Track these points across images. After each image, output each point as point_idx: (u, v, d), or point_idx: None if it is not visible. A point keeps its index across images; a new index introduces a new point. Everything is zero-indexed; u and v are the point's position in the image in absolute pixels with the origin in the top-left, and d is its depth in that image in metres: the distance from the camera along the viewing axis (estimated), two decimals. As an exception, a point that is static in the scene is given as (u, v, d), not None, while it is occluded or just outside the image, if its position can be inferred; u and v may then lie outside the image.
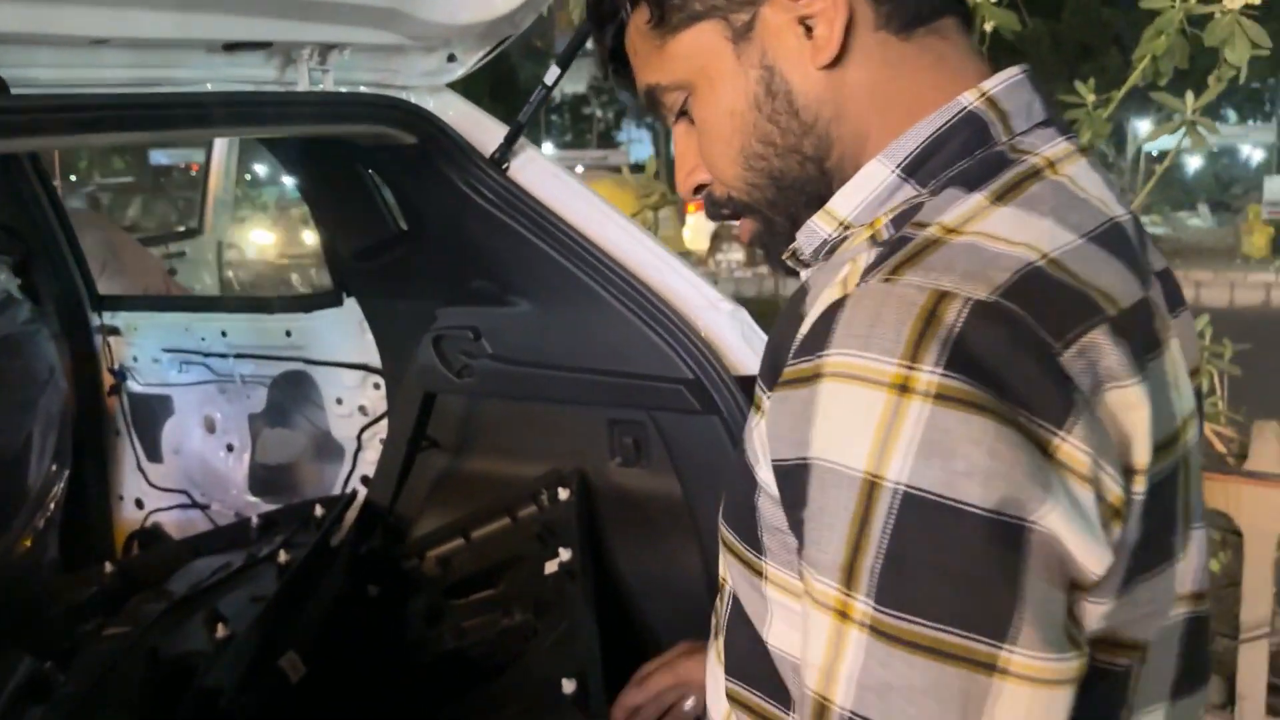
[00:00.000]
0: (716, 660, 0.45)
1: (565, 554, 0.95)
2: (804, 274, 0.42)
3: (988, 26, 1.38)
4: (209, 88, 0.87)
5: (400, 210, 1.10)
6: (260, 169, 12.97)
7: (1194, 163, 13.07)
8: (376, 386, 1.23)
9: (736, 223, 0.46)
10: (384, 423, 1.20)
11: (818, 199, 0.39)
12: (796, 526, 0.31)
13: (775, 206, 0.41)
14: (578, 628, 0.91)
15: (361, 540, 1.14)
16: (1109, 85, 1.46)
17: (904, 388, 0.26)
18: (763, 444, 0.34)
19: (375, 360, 1.22)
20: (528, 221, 0.96)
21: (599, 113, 14.61)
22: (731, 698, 0.43)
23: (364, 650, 1.04)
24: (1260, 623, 1.44)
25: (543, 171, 1.01)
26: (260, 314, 1.37)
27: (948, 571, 0.25)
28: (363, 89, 0.99)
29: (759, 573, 0.38)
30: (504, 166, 0.98)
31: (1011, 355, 0.26)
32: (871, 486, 0.26)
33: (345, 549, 1.12)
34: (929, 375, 0.26)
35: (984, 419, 0.25)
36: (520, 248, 0.97)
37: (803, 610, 0.31)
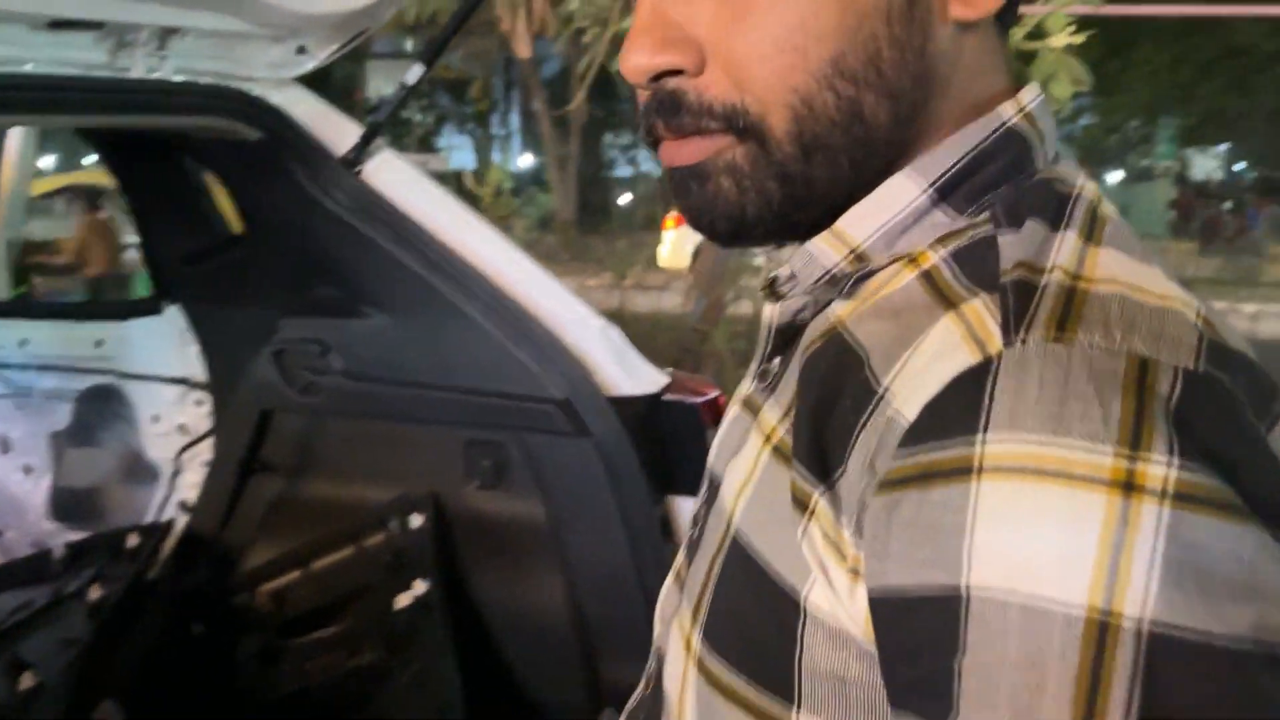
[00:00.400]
0: None
1: (420, 585, 0.90)
2: (777, 310, 0.33)
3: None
4: (29, 69, 0.78)
5: (238, 211, 1.01)
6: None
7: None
8: (199, 403, 1.10)
9: (697, 143, 0.29)
10: (208, 442, 1.08)
11: (867, 167, 0.28)
12: (918, 687, 0.21)
13: (806, 149, 0.27)
14: (434, 666, 0.86)
15: (183, 574, 1.03)
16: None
17: (1129, 485, 0.18)
18: (823, 558, 0.24)
19: (199, 374, 1.10)
20: (383, 228, 0.90)
21: (418, 117, 14.27)
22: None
23: (190, 697, 0.95)
24: None
25: (400, 175, 0.95)
26: (66, 321, 1.21)
27: None
28: (204, 79, 0.91)
29: None
30: (357, 169, 0.92)
31: (1240, 442, 0.20)
32: (1103, 629, 0.18)
33: (165, 584, 1.02)
34: (1162, 469, 0.19)
35: (1240, 525, 0.19)
36: (374, 256, 0.91)
37: None
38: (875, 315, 0.27)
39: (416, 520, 0.94)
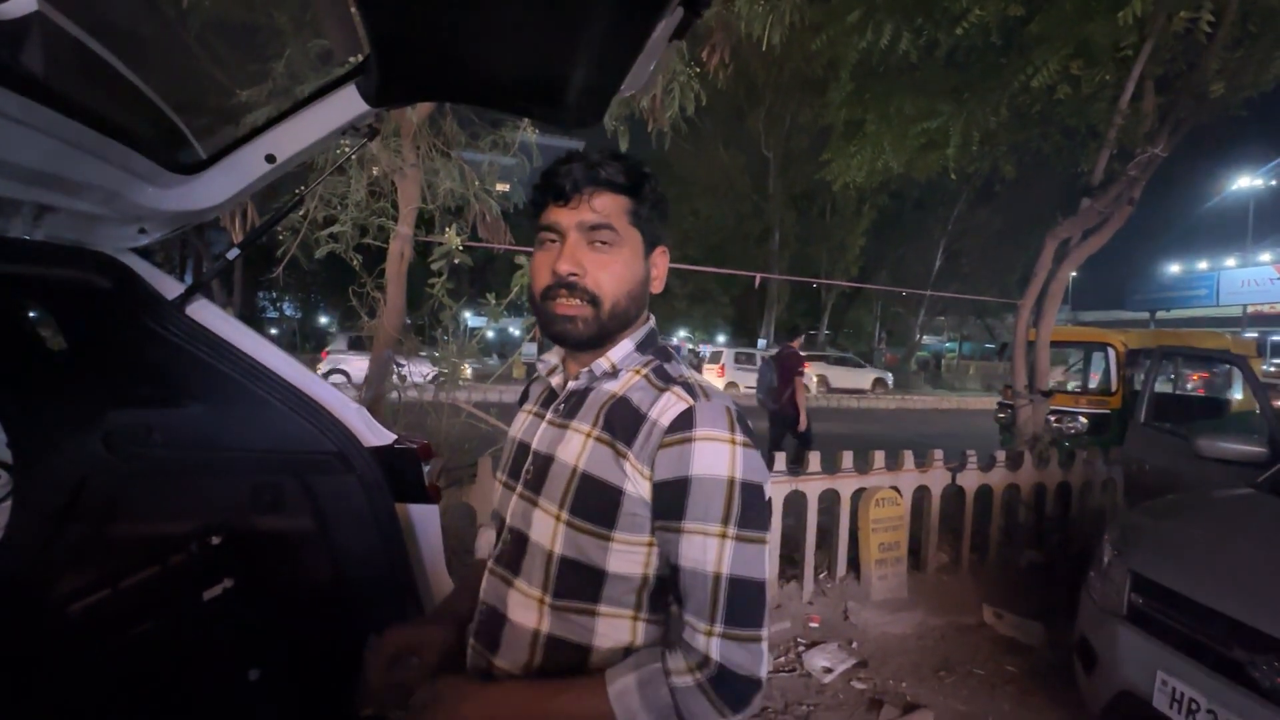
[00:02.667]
0: (532, 595, 0.77)
1: (226, 581, 1.34)
2: (568, 382, 0.83)
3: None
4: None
5: (64, 336, 1.34)
6: None
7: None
8: None
9: (575, 303, 0.77)
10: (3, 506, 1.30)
11: (611, 332, 0.80)
12: (669, 512, 0.71)
13: (607, 316, 0.78)
14: (247, 631, 1.29)
15: None
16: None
17: (734, 441, 0.71)
18: (630, 474, 0.72)
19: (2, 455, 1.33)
20: (204, 347, 1.39)
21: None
22: (558, 609, 0.75)
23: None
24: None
25: (214, 313, 1.46)
26: None
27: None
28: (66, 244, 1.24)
29: (607, 538, 0.73)
30: (184, 308, 1.40)
31: (748, 428, 0.74)
32: (730, 481, 0.70)
33: None
34: (739, 437, 0.72)
35: (755, 450, 0.72)
36: (196, 365, 1.38)
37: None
38: (634, 392, 0.78)
39: (216, 539, 1.38)
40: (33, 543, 1.26)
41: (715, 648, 0.68)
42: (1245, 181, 24.90)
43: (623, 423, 0.75)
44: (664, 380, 0.78)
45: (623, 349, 0.82)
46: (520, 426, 0.90)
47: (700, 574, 0.69)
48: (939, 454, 3.77)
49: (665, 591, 0.75)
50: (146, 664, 1.27)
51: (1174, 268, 28.43)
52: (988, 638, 3.18)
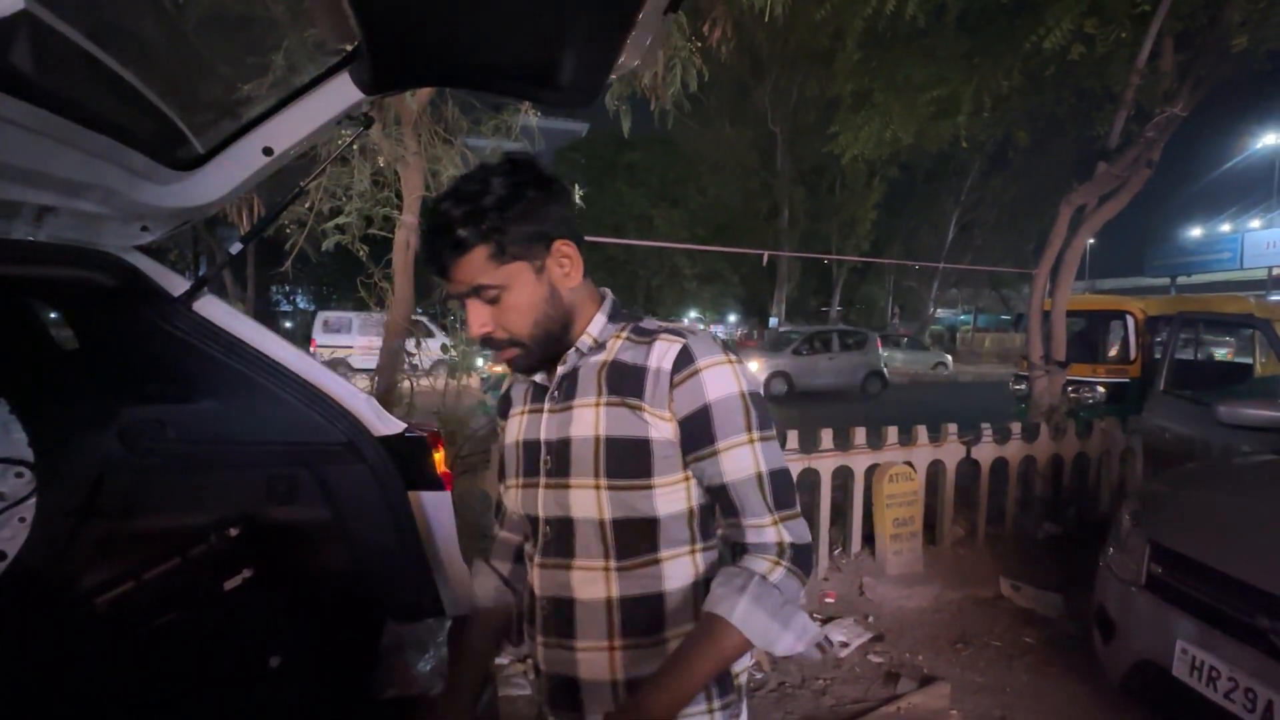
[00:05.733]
0: (595, 566, 0.80)
1: (246, 571, 1.37)
2: (559, 369, 0.83)
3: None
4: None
5: (76, 335, 1.36)
6: None
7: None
8: (19, 475, 1.35)
9: (504, 352, 0.81)
10: (28, 504, 1.34)
11: (558, 340, 0.81)
12: (698, 442, 0.76)
13: (538, 344, 0.80)
14: (267, 619, 1.32)
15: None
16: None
17: (730, 361, 0.77)
18: (652, 421, 0.76)
19: (25, 454, 1.36)
20: (212, 343, 1.41)
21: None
22: (624, 569, 0.79)
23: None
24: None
25: (221, 309, 1.47)
26: None
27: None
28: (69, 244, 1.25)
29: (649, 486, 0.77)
30: (191, 305, 1.41)
31: (731, 349, 0.80)
32: (743, 394, 0.77)
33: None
34: (733, 357, 0.78)
35: (742, 365, 0.79)
36: (205, 361, 1.40)
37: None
38: (622, 353, 0.82)
39: (234, 531, 1.41)
40: (58, 539, 1.29)
41: (784, 533, 0.77)
42: (1270, 139, 24.10)
43: (625, 381, 0.79)
44: (645, 335, 0.82)
45: (597, 323, 0.84)
46: (518, 429, 0.90)
47: (747, 479, 0.77)
48: (953, 428, 3.74)
49: (710, 516, 0.83)
50: (171, 653, 1.30)
51: (1195, 231, 27.71)
52: (1005, 610, 3.18)
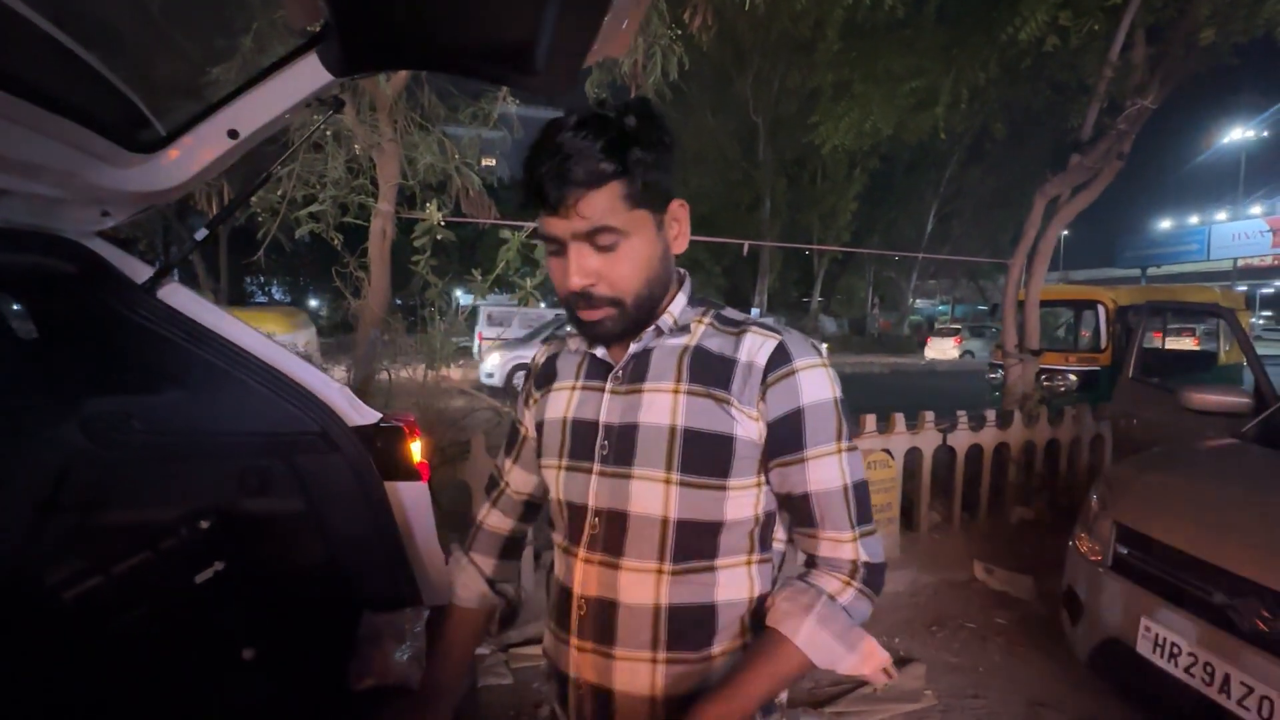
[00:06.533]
0: (648, 568, 0.73)
1: (217, 564, 1.35)
2: (630, 346, 0.76)
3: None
4: None
5: (34, 324, 1.31)
6: None
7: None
8: None
9: (598, 311, 0.71)
10: None
11: (650, 310, 0.74)
12: (785, 448, 0.72)
13: (637, 308, 0.72)
14: (241, 611, 1.30)
15: None
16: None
17: (824, 366, 0.73)
18: (738, 418, 0.71)
19: None
20: (178, 331, 1.37)
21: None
22: (678, 573, 0.72)
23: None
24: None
25: (186, 296, 1.43)
26: None
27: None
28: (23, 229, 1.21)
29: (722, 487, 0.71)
30: (155, 292, 1.37)
31: (821, 352, 0.75)
32: (836, 401, 0.72)
33: None
34: (825, 359, 0.74)
35: (834, 371, 0.74)
36: (171, 351, 1.36)
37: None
38: (708, 340, 0.76)
39: (205, 523, 1.38)
40: (22, 533, 1.25)
41: (861, 550, 0.73)
42: (1237, 133, 24.70)
43: (712, 371, 0.73)
44: (733, 325, 0.77)
45: (678, 304, 0.78)
46: (566, 405, 0.81)
47: (833, 491, 0.72)
48: (930, 415, 3.80)
49: (771, 526, 0.78)
50: (142, 647, 1.28)
51: (1165, 223, 28.40)
52: (978, 593, 3.25)
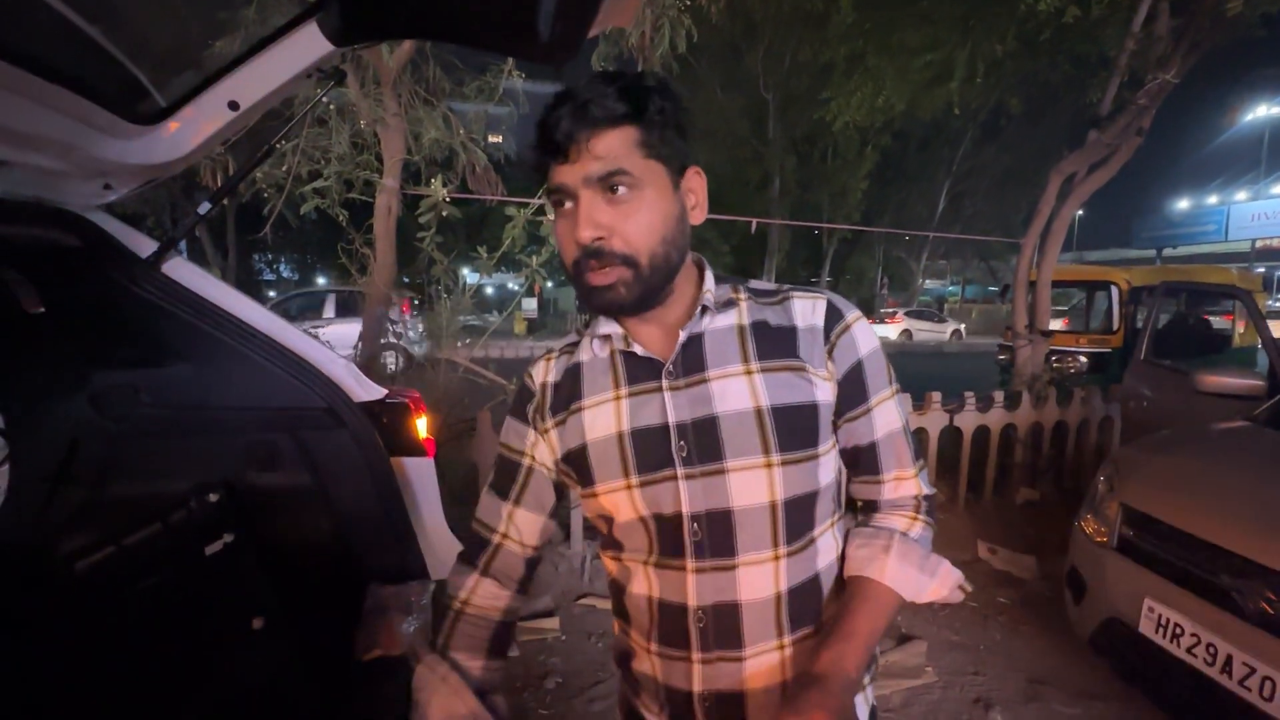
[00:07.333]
0: (765, 557, 0.69)
1: (227, 537, 1.37)
2: (681, 334, 0.71)
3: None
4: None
5: (41, 298, 1.32)
6: None
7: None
8: None
9: (608, 271, 0.65)
10: (2, 469, 1.32)
11: (664, 281, 0.69)
12: (853, 399, 0.73)
13: (652, 271, 0.67)
14: (250, 582, 1.32)
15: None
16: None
17: (862, 315, 0.74)
18: (817, 382, 0.70)
19: None
20: (183, 305, 1.37)
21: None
22: (791, 554, 0.70)
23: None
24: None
25: (191, 271, 1.43)
26: None
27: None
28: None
29: (815, 457, 0.70)
30: (159, 267, 1.37)
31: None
32: (881, 348, 0.75)
33: None
34: (866, 318, 0.74)
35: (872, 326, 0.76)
36: (176, 325, 1.37)
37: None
38: (763, 313, 0.73)
39: (214, 496, 1.40)
40: (34, 504, 1.27)
41: (922, 483, 0.76)
42: (1261, 110, 24.03)
43: (779, 343, 0.72)
44: (772, 294, 0.77)
45: (709, 282, 0.75)
46: (618, 417, 0.72)
47: (894, 433, 0.75)
48: (936, 397, 3.78)
49: (843, 486, 0.79)
50: (153, 616, 1.31)
51: (1183, 203, 27.82)
52: (981, 572, 3.26)
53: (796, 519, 0.70)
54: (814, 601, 0.72)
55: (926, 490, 0.76)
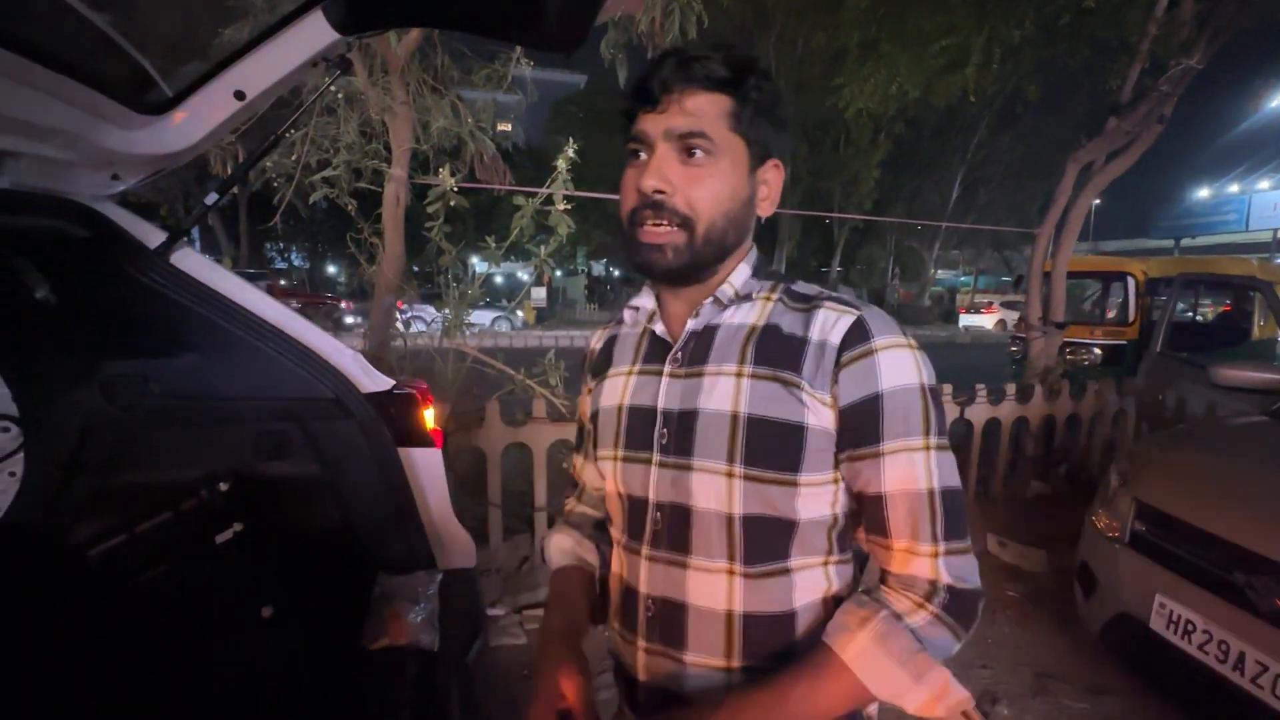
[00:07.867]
0: (718, 568, 0.66)
1: (236, 526, 1.38)
2: (688, 322, 0.70)
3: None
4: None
5: (51, 288, 1.33)
6: None
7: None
8: (5, 430, 1.35)
9: (663, 227, 0.65)
10: (16, 458, 1.34)
11: (716, 259, 0.68)
12: (860, 438, 0.63)
13: (706, 241, 0.66)
14: (259, 571, 1.34)
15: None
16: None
17: (910, 346, 0.63)
18: (810, 405, 0.62)
19: (9, 410, 1.35)
20: (191, 296, 1.38)
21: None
22: (751, 576, 0.65)
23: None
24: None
25: (199, 261, 1.43)
26: None
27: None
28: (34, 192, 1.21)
29: (793, 484, 0.63)
30: (167, 257, 1.37)
31: (906, 332, 0.65)
32: (921, 387, 0.63)
33: None
34: (912, 341, 0.64)
35: (919, 351, 0.64)
36: (185, 315, 1.37)
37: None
38: (778, 318, 0.68)
39: (224, 486, 1.41)
40: (48, 492, 1.29)
41: (942, 569, 0.62)
42: (1286, 96, 23.42)
43: (780, 351, 0.65)
44: (804, 300, 0.69)
45: (740, 274, 0.71)
46: (622, 391, 0.74)
47: (913, 494, 0.62)
48: (947, 389, 3.75)
49: (851, 529, 0.70)
50: (164, 603, 1.32)
51: (1203, 192, 27.25)
52: (991, 565, 3.25)
53: (759, 540, 0.65)
54: (781, 636, 0.66)
55: (950, 580, 0.61)
